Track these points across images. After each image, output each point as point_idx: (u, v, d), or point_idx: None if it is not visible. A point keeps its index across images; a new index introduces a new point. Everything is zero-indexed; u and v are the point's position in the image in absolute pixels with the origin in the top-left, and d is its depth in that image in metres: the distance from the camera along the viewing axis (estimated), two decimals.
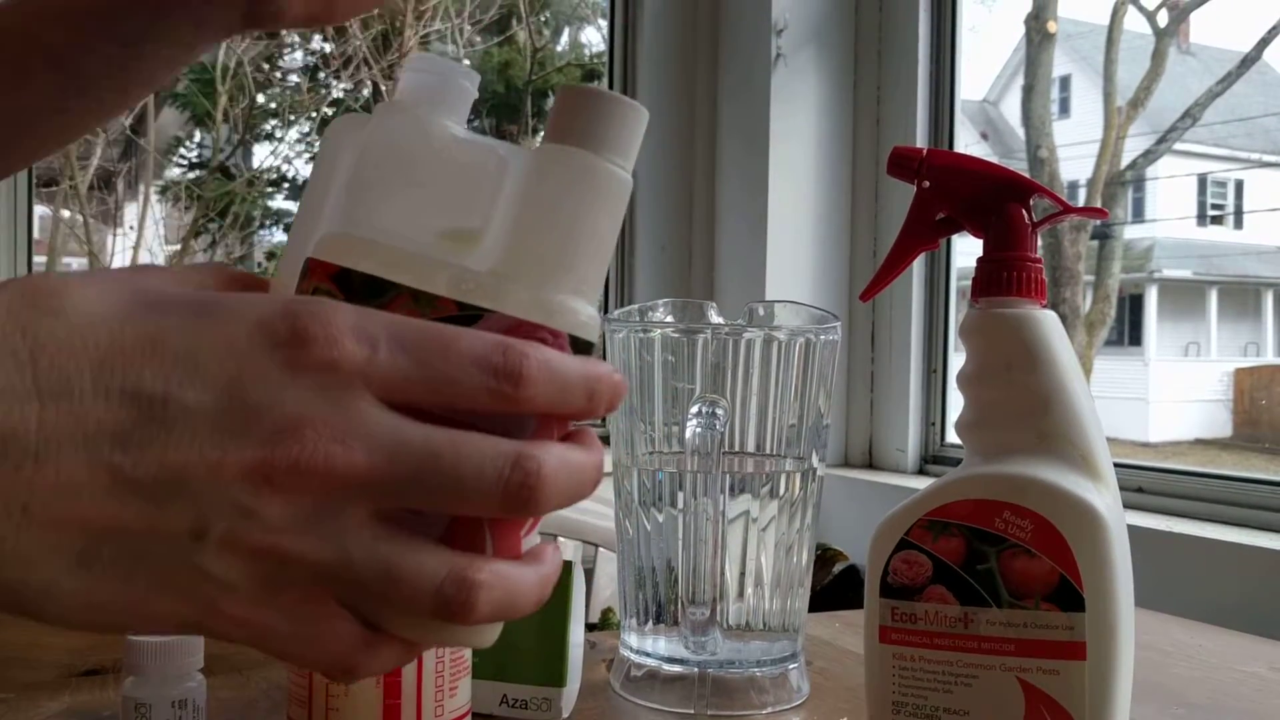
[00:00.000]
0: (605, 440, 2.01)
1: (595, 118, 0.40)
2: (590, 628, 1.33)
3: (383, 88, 3.15)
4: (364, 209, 0.39)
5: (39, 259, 1.99)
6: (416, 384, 0.36)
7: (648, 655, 0.79)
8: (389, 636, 0.37)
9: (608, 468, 0.88)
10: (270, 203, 3.05)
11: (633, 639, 0.80)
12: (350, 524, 0.35)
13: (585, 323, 0.40)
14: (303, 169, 3.02)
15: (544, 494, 0.36)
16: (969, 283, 0.61)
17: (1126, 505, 0.58)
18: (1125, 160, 2.39)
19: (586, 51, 3.38)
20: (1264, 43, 2.05)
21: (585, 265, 0.39)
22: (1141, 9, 2.36)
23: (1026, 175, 0.62)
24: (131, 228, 2.93)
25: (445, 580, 0.36)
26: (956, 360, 2.00)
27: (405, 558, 0.35)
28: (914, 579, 0.57)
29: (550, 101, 3.32)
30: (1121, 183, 2.49)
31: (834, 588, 1.89)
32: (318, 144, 0.56)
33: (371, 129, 0.40)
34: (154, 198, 2.99)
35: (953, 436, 1.99)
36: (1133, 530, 0.57)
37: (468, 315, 0.38)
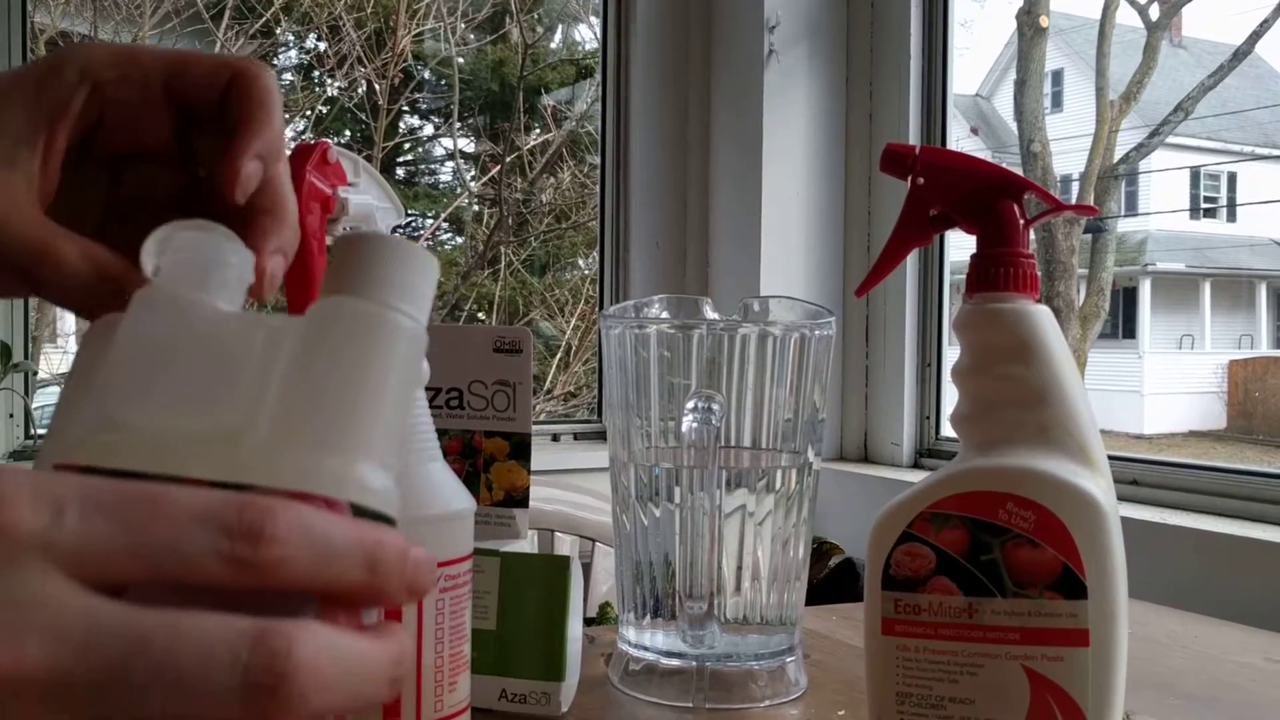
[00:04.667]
0: (601, 436, 2.01)
1: (370, 263, 0.36)
2: (588, 622, 1.33)
3: (376, 86, 3.15)
4: (118, 408, 0.34)
5: None
6: (121, 554, 0.28)
7: (646, 649, 0.79)
8: None
9: (601, 463, 0.88)
10: None
11: (631, 633, 0.80)
12: None
13: (372, 489, 0.33)
14: None
15: (299, 683, 0.28)
16: (962, 277, 0.62)
17: (1121, 498, 0.59)
18: (1118, 154, 2.39)
19: (580, 49, 3.39)
20: (1255, 36, 2.06)
21: (367, 425, 0.34)
22: (1133, 3, 2.37)
23: (1019, 171, 0.62)
24: None
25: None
26: (950, 354, 2.01)
27: None
28: (917, 571, 0.58)
29: (544, 98, 3.32)
30: (1114, 176, 2.50)
31: (830, 581, 1.89)
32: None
33: (127, 320, 0.35)
34: None
35: (947, 430, 1.99)
36: (1128, 522, 0.57)
37: None
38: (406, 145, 3.55)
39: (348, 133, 3.24)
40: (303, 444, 0.33)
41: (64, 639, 0.27)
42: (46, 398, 2.19)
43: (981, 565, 0.56)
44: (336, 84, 3.18)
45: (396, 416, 0.35)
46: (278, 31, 3.13)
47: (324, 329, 0.35)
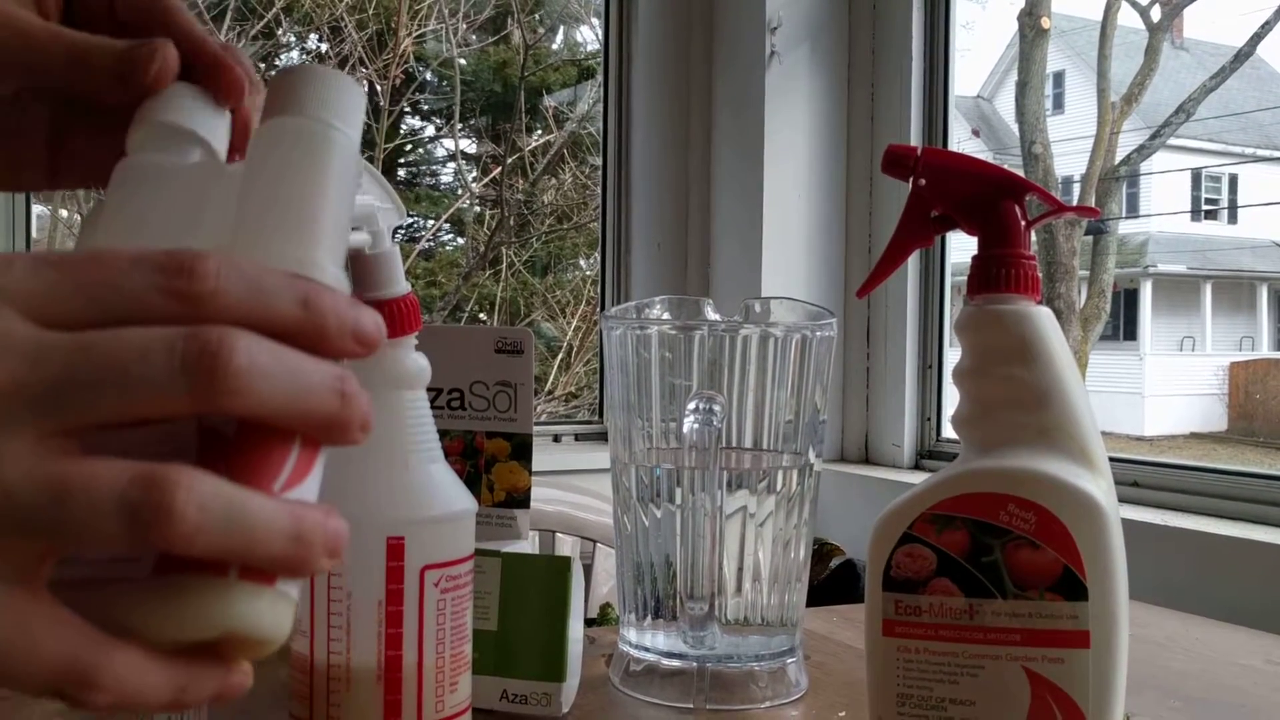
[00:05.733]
0: (602, 437, 2.01)
1: (298, 88, 0.40)
2: (589, 623, 1.33)
3: (378, 87, 3.15)
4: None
5: None
6: (67, 294, 0.31)
7: (647, 650, 0.79)
8: (125, 638, 0.31)
9: (603, 464, 0.88)
10: None
11: (631, 634, 0.81)
12: (7, 450, 0.30)
13: (329, 270, 0.37)
14: None
15: (235, 364, 0.30)
16: (964, 279, 0.62)
17: (1122, 499, 0.59)
18: (1119, 156, 2.39)
19: (582, 50, 3.39)
20: (1257, 37, 2.06)
21: (318, 219, 0.37)
22: (1135, 4, 2.37)
23: (1020, 173, 0.62)
24: None
25: (129, 483, 0.29)
26: (951, 356, 2.01)
27: (77, 469, 0.30)
28: (918, 572, 0.58)
29: (545, 99, 3.32)
30: (1116, 178, 2.50)
31: (831, 582, 1.89)
32: None
33: (111, 192, 0.40)
34: None
35: (948, 431, 1.99)
36: (1128, 524, 0.57)
37: None
38: (408, 146, 3.56)
39: None
40: (265, 239, 0.36)
41: (18, 356, 0.30)
42: None
43: (982, 566, 0.57)
44: None
45: (341, 214, 0.38)
46: (279, 33, 3.13)
47: (267, 146, 0.39)
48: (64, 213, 2.85)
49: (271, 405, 0.31)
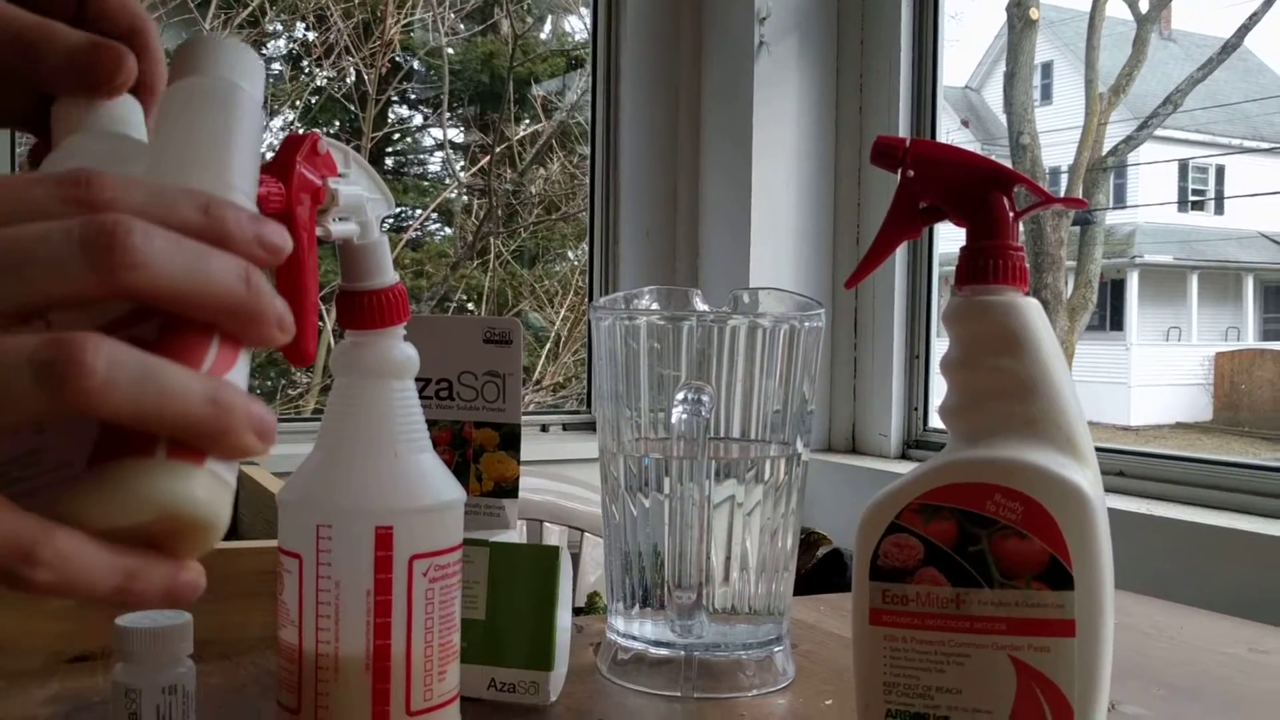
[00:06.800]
0: (590, 427, 2.01)
1: (200, 53, 0.42)
2: (577, 612, 1.33)
3: (365, 76, 3.14)
4: None
5: None
6: None
7: (634, 639, 0.79)
8: (63, 523, 0.32)
9: (590, 454, 0.88)
10: None
11: (619, 623, 0.81)
12: None
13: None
14: None
15: (131, 241, 0.31)
16: (951, 269, 0.62)
17: (1108, 489, 0.59)
18: (1107, 146, 2.40)
19: (570, 40, 3.38)
20: (1244, 29, 2.06)
21: (228, 163, 0.39)
22: None
23: (1008, 164, 0.62)
24: None
25: (40, 344, 0.30)
26: (938, 346, 2.02)
27: None
28: (905, 562, 0.58)
29: (534, 89, 3.31)
30: (1103, 169, 2.50)
31: (818, 571, 1.90)
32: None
33: (50, 157, 0.42)
34: None
35: (935, 421, 2.00)
36: (1114, 513, 0.58)
37: None
38: (395, 135, 3.55)
39: (336, 123, 3.23)
40: (179, 180, 0.37)
41: None
42: None
43: (969, 556, 0.57)
44: (325, 73, 3.17)
45: (248, 161, 0.40)
46: (264, 21, 3.12)
47: (177, 104, 0.41)
48: None
49: (174, 284, 0.32)
